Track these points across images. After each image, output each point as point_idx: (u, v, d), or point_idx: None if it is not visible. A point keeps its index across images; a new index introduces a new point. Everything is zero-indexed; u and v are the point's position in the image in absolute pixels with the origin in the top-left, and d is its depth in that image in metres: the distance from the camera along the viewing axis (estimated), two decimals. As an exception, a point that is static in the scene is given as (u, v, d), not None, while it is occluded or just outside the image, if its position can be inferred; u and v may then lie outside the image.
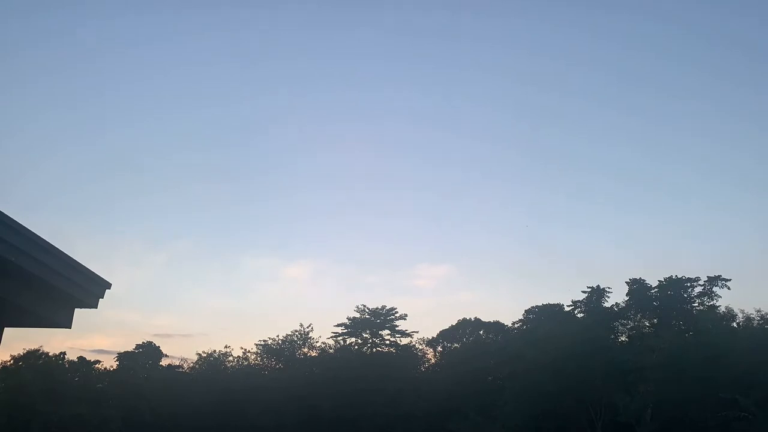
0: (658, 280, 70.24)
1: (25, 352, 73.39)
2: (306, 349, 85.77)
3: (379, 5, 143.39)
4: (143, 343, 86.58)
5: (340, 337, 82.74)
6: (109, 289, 6.40)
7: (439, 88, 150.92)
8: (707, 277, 68.41)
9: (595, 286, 72.87)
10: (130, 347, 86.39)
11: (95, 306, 6.40)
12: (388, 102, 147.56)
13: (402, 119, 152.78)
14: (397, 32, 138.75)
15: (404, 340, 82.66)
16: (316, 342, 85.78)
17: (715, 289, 68.00)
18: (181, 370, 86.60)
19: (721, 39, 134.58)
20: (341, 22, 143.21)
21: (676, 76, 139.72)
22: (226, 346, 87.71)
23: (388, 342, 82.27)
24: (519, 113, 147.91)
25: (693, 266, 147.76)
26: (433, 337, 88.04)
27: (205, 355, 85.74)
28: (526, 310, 79.72)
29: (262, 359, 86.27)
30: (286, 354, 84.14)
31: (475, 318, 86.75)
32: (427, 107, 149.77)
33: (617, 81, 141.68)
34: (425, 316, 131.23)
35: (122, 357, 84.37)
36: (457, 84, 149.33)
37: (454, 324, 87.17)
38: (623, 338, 71.32)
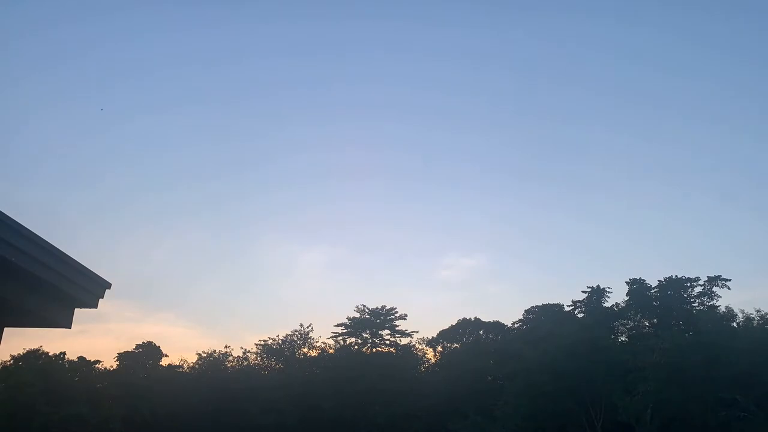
0: (658, 280, 70.39)
1: (25, 352, 73.49)
2: (306, 349, 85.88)
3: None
4: (143, 342, 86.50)
5: (340, 337, 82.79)
6: (109, 289, 6.40)
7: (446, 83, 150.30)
8: (707, 277, 68.66)
9: (595, 286, 72.92)
10: (130, 347, 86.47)
11: (95, 306, 6.40)
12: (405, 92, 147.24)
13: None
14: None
15: (404, 340, 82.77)
16: (316, 342, 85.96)
17: (715, 289, 68.10)
18: (181, 370, 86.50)
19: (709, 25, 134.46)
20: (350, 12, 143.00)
21: (678, 75, 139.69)
22: (226, 346, 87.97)
23: (388, 342, 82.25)
24: (520, 109, 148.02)
25: (693, 266, 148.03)
26: (433, 337, 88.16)
27: (205, 355, 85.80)
28: (526, 310, 79.83)
29: (262, 359, 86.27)
30: (286, 354, 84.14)
31: (475, 318, 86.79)
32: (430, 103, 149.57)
33: (619, 82, 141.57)
34: (443, 311, 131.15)
35: (122, 357, 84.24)
36: (462, 79, 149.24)
37: (453, 324, 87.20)
38: (623, 338, 71.31)
